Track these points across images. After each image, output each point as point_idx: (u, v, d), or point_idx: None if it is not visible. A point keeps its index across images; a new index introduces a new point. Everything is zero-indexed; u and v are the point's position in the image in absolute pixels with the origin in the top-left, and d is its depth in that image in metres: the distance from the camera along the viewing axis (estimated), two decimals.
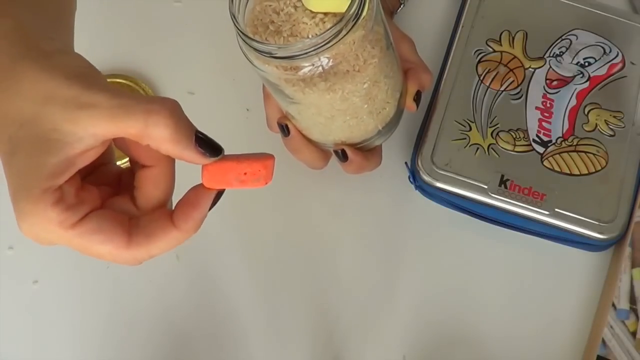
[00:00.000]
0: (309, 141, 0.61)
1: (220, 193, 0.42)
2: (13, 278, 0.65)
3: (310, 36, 0.51)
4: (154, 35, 0.64)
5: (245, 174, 0.41)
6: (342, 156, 0.60)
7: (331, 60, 0.50)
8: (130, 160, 0.43)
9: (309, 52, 0.49)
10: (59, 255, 0.66)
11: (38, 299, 0.65)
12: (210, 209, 0.42)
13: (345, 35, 0.50)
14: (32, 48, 0.41)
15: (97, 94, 0.39)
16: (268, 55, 0.50)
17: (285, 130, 0.60)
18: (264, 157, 0.42)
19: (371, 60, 0.53)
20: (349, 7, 0.49)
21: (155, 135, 0.39)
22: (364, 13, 0.50)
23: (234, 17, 0.50)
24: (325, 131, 0.59)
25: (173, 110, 0.40)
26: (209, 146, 0.41)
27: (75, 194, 0.40)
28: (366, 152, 0.61)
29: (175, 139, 0.40)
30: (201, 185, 0.42)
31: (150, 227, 0.41)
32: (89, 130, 0.39)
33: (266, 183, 0.42)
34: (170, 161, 0.42)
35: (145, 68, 0.70)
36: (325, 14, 0.51)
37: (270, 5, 0.52)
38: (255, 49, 0.50)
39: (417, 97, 0.61)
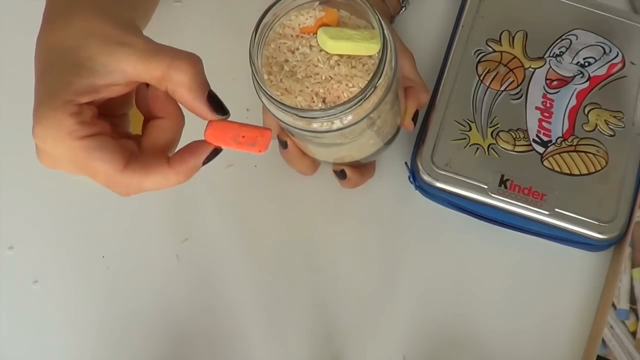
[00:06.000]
0: (304, 154, 0.62)
1: (216, 151, 0.46)
2: (13, 278, 0.65)
3: (324, 78, 0.51)
4: (154, 35, 0.63)
5: (243, 136, 0.45)
6: (342, 175, 0.62)
7: (353, 117, 0.51)
8: (144, 116, 0.47)
9: (332, 115, 0.50)
10: (59, 255, 0.66)
11: (38, 299, 0.65)
12: (204, 163, 0.45)
13: (370, 95, 0.50)
14: (93, 1, 0.47)
15: (136, 37, 0.44)
16: (289, 112, 0.50)
17: (284, 144, 0.60)
18: (264, 128, 0.46)
19: (384, 107, 0.53)
20: (376, 69, 0.49)
21: (175, 78, 0.43)
22: (386, 67, 0.50)
23: (253, 63, 0.50)
24: (327, 157, 0.61)
25: (195, 62, 0.44)
26: (217, 105, 0.45)
27: (90, 115, 0.43)
28: (362, 168, 0.63)
29: (191, 87, 0.44)
30: (202, 140, 0.45)
31: (147, 160, 0.44)
32: (120, 66, 0.43)
33: (260, 151, 0.45)
34: (181, 118, 0.46)
35: None
36: (341, 56, 0.52)
37: (285, 44, 0.52)
38: (276, 105, 0.50)
39: (415, 116, 0.61)
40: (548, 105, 0.64)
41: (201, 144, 0.45)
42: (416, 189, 0.64)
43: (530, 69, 0.65)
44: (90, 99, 0.43)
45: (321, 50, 0.52)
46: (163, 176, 0.44)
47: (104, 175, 0.44)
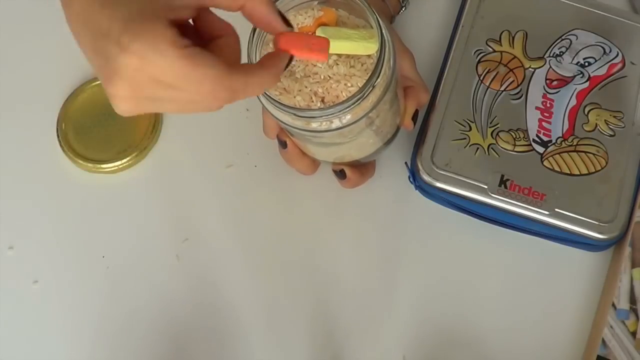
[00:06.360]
0: (304, 154, 0.62)
1: (291, 59, 0.47)
2: (13, 278, 0.65)
3: (323, 77, 0.51)
4: None
5: (313, 43, 0.47)
6: (341, 175, 0.62)
7: (351, 117, 0.51)
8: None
9: (330, 115, 0.50)
10: (59, 255, 0.66)
11: (38, 299, 0.65)
12: (285, 68, 0.47)
13: (368, 94, 0.50)
14: None
15: None
16: (287, 112, 0.50)
17: (283, 144, 0.60)
18: (321, 36, 0.49)
19: (383, 107, 0.53)
20: (374, 68, 0.49)
21: None
22: (384, 66, 0.50)
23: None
24: (327, 156, 0.61)
25: None
26: (285, 18, 0.47)
27: (178, 31, 0.42)
28: (362, 167, 0.63)
29: (268, 1, 0.46)
30: (274, 51, 0.47)
31: (241, 65, 0.45)
32: None
33: (325, 58, 0.48)
34: (236, 33, 0.46)
35: None
36: (339, 55, 0.52)
37: None
38: (275, 105, 0.50)
39: (414, 116, 0.61)
40: (548, 105, 0.64)
41: (278, 53, 0.47)
42: (416, 189, 0.64)
43: (530, 69, 0.65)
44: (172, 16, 0.43)
45: None
46: (261, 76, 0.45)
47: (212, 79, 0.43)
